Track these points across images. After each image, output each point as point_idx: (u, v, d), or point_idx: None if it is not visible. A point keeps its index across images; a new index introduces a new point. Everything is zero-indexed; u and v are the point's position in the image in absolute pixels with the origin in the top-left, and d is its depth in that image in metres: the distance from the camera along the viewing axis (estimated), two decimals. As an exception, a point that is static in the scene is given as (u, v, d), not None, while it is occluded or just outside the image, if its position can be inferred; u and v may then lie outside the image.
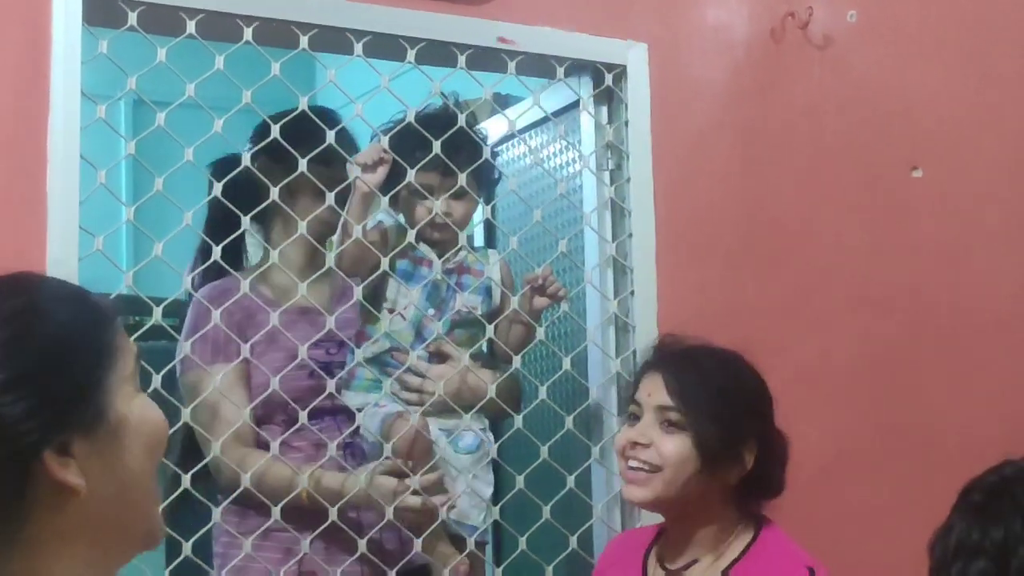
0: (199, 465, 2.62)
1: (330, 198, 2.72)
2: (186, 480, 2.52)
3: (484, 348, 2.96)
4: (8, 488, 1.20)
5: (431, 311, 2.83)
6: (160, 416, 1.36)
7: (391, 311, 2.81)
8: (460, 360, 2.80)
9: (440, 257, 2.84)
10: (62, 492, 1.22)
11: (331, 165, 2.79)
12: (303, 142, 2.73)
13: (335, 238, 2.78)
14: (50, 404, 1.23)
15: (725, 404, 2.32)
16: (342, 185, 2.76)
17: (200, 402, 2.69)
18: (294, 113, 2.74)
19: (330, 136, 2.73)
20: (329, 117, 2.83)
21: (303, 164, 2.69)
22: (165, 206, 2.56)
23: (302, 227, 2.72)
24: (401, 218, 2.88)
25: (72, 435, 1.23)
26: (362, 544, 2.67)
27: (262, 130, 2.77)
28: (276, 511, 2.59)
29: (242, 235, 2.83)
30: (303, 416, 2.66)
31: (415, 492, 2.65)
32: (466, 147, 2.85)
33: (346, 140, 2.85)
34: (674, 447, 2.30)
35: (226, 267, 2.72)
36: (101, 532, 1.28)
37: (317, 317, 2.78)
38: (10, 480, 1.20)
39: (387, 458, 2.66)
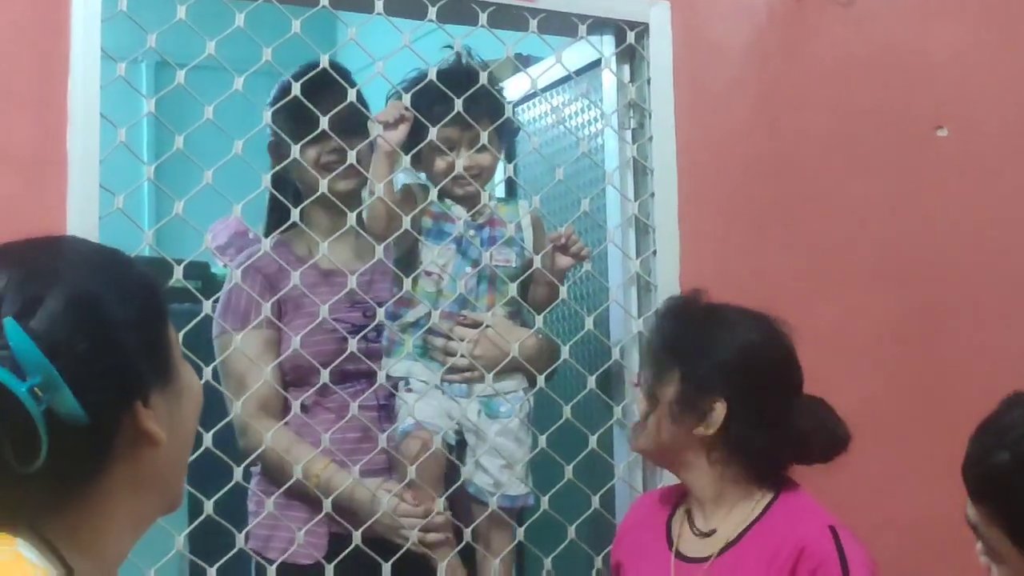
0: (221, 424, 2.61)
1: (352, 156, 2.70)
2: (208, 439, 2.50)
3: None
4: (100, 435, 1.25)
5: (468, 268, 2.81)
6: (199, 383, 1.43)
7: (429, 273, 2.80)
8: (488, 319, 2.80)
9: (467, 212, 2.83)
10: (138, 444, 1.28)
11: (350, 124, 2.77)
12: (321, 100, 2.71)
13: (364, 198, 2.76)
14: (147, 353, 1.30)
15: (693, 355, 2.32)
16: (364, 143, 2.75)
17: (227, 366, 2.68)
18: (314, 71, 2.72)
19: (352, 94, 2.70)
20: (345, 76, 2.82)
21: (324, 122, 2.66)
22: (188, 166, 2.54)
23: (323, 186, 2.69)
24: (423, 176, 2.86)
25: (153, 388, 1.30)
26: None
27: (281, 89, 2.76)
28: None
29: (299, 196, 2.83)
30: (324, 375, 2.64)
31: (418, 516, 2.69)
32: (485, 99, 2.82)
33: (361, 101, 2.83)
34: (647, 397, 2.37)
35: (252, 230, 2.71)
36: (155, 488, 1.34)
37: (345, 279, 2.76)
38: (104, 427, 1.25)
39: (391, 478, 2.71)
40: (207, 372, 2.49)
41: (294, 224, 2.75)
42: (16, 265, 1.28)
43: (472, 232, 2.84)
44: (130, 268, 1.37)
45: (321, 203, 2.77)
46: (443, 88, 2.75)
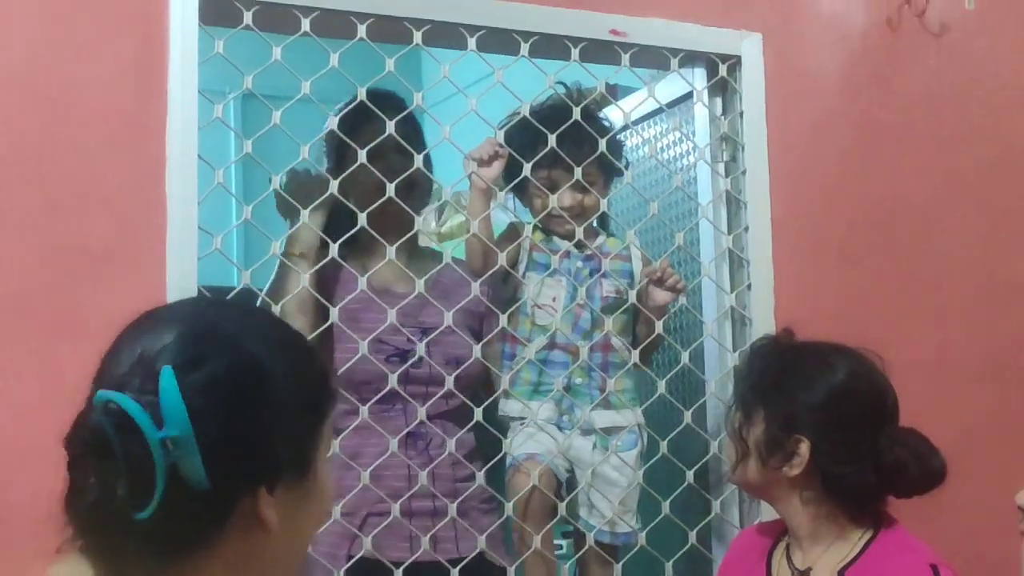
0: None
1: (390, 189, 2.66)
2: None
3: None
4: (217, 507, 1.23)
5: (580, 300, 2.79)
6: (332, 489, 1.40)
7: (541, 306, 2.79)
8: (628, 353, 2.82)
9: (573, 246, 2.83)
10: (252, 528, 1.25)
11: (387, 155, 2.77)
12: (377, 123, 2.70)
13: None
14: (292, 443, 1.28)
15: (776, 396, 2.28)
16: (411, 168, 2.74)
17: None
18: (406, 111, 2.72)
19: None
20: (394, 103, 2.81)
21: (362, 156, 2.63)
22: (272, 203, 2.54)
23: (362, 219, 2.64)
24: (513, 213, 2.86)
25: (283, 479, 1.27)
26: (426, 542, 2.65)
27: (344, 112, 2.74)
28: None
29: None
30: (392, 379, 2.62)
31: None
32: (590, 137, 2.81)
33: (413, 124, 2.83)
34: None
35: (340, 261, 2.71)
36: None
37: (399, 293, 2.75)
38: (222, 500, 1.22)
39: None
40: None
41: (350, 244, 2.72)
42: (193, 321, 1.28)
43: (580, 264, 2.84)
44: (308, 356, 1.36)
45: (375, 224, 2.69)
46: (541, 128, 2.76)
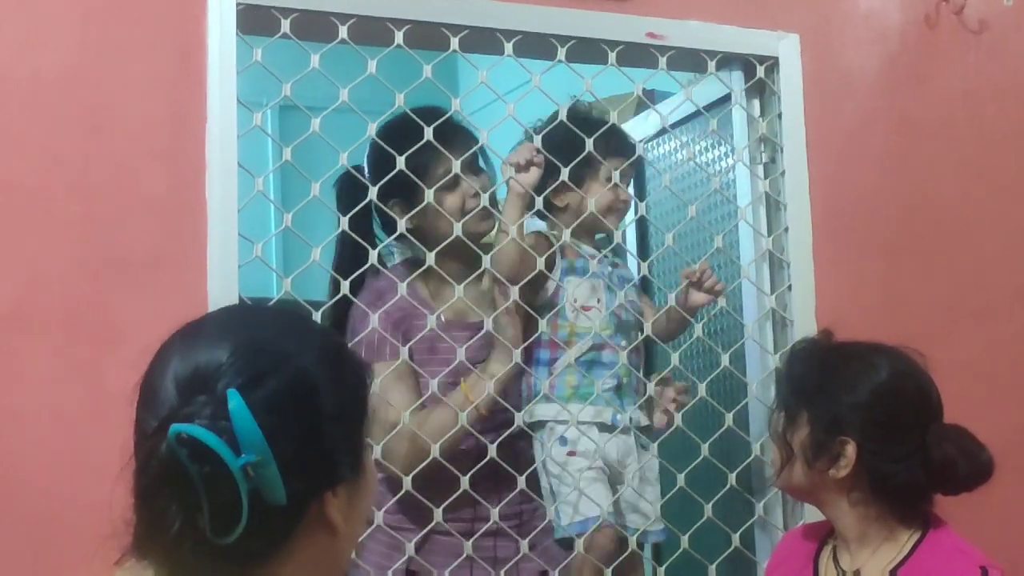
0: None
1: (484, 199, 2.70)
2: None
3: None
4: (290, 518, 1.25)
5: (616, 303, 2.79)
6: (376, 476, 1.45)
7: (587, 308, 2.78)
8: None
9: (600, 252, 2.84)
10: (319, 530, 1.28)
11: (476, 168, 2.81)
12: (454, 146, 2.72)
13: (494, 240, 2.74)
14: (348, 446, 1.31)
15: (819, 398, 2.26)
16: (493, 188, 2.75)
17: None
18: (445, 117, 2.71)
19: (483, 137, 2.71)
20: (459, 130, 2.81)
21: (456, 166, 2.66)
22: (310, 211, 2.54)
23: (457, 229, 2.67)
24: (550, 216, 2.85)
25: (345, 480, 1.30)
26: (468, 547, 2.63)
27: (399, 134, 2.73)
28: (407, 482, 2.56)
29: (373, 233, 2.80)
30: (492, 449, 2.62)
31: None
32: (614, 138, 2.83)
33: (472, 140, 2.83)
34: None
35: (380, 267, 2.70)
36: (322, 574, 1.33)
37: (473, 323, 2.74)
38: (295, 511, 1.24)
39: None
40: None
41: (418, 266, 2.73)
42: (243, 336, 1.29)
43: (610, 269, 2.84)
44: (351, 361, 1.38)
45: (448, 249, 2.70)
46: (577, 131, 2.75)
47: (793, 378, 2.36)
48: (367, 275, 2.72)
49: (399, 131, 2.71)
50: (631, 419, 2.75)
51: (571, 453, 2.70)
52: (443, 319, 2.72)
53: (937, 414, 2.28)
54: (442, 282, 2.75)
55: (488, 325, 2.66)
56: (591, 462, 2.68)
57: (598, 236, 2.88)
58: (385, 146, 2.66)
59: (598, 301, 2.79)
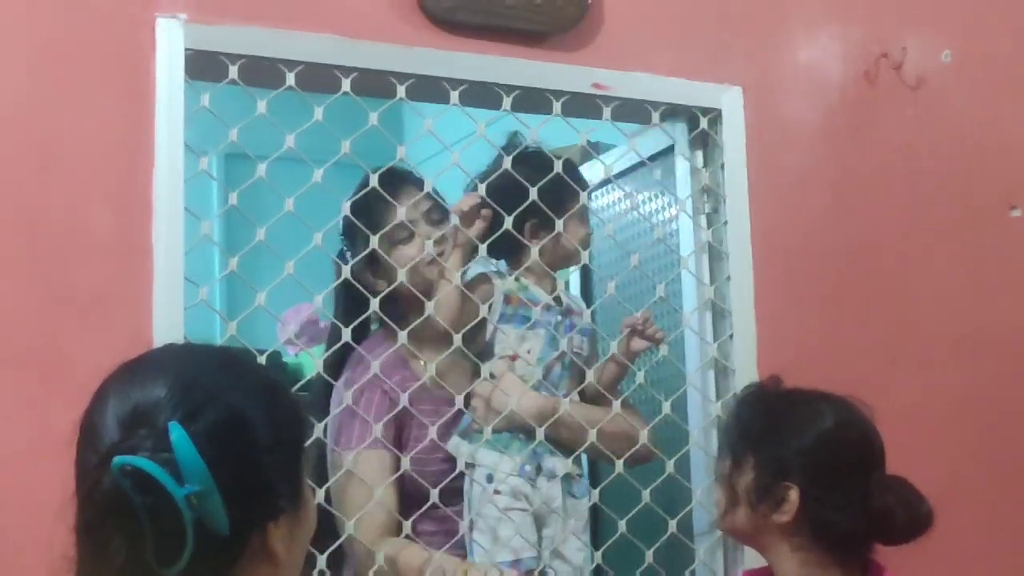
0: (334, 545, 2.56)
1: (428, 246, 2.71)
2: (321, 560, 2.48)
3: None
4: (232, 549, 1.26)
5: (554, 353, 2.80)
6: (315, 505, 1.44)
7: (512, 358, 2.78)
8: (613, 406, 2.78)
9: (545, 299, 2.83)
10: (259, 561, 1.29)
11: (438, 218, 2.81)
12: (403, 197, 2.75)
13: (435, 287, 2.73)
14: (286, 477, 1.33)
15: (765, 442, 2.30)
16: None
17: (344, 486, 2.65)
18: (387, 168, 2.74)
19: (427, 185, 2.71)
20: (415, 179, 2.82)
21: (401, 212, 2.66)
22: (257, 256, 2.55)
23: (402, 275, 2.68)
24: (501, 265, 2.86)
25: (285, 511, 1.32)
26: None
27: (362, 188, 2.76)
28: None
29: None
30: (434, 494, 2.62)
31: None
32: (565, 187, 2.83)
33: (439, 195, 2.84)
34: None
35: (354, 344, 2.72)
36: None
37: (450, 395, 2.75)
38: (237, 542, 1.26)
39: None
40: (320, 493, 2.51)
41: (384, 325, 2.73)
42: (180, 372, 1.30)
43: (559, 318, 2.84)
44: (285, 398, 1.40)
45: (417, 304, 2.70)
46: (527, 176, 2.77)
47: (741, 423, 2.39)
48: (350, 347, 2.74)
49: (362, 199, 2.76)
50: (554, 469, 2.75)
51: (497, 492, 2.70)
52: (430, 400, 2.74)
53: (879, 463, 2.31)
54: (430, 345, 2.74)
55: (459, 402, 2.68)
56: (516, 501, 2.69)
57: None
58: (353, 218, 2.73)
59: (528, 351, 2.78)
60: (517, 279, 2.83)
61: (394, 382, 2.72)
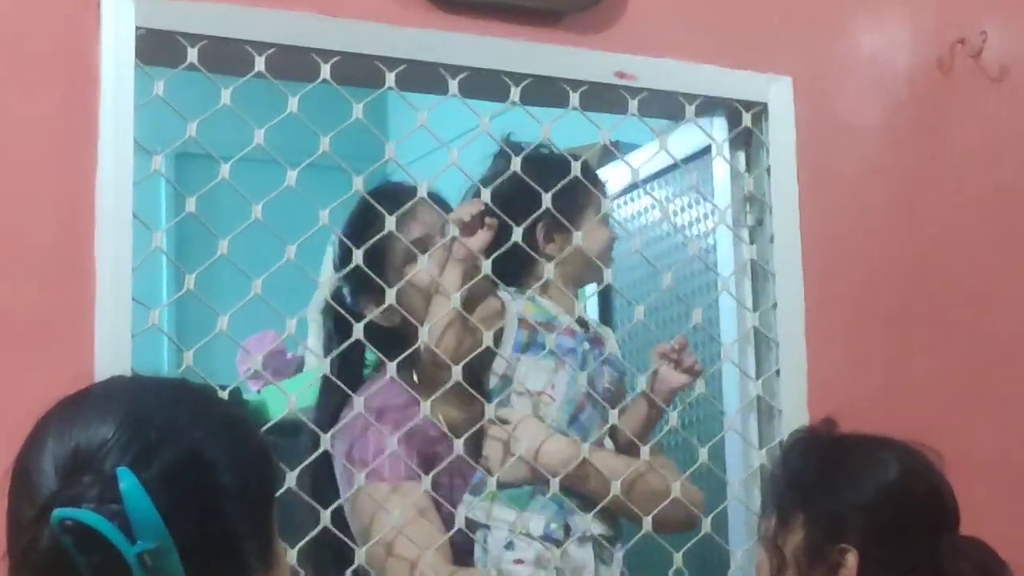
0: None
1: (422, 259, 2.69)
2: None
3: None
4: None
5: (582, 389, 2.76)
6: (289, 568, 1.49)
7: (532, 394, 2.74)
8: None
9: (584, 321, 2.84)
10: None
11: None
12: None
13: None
14: (254, 531, 1.34)
15: (818, 497, 2.30)
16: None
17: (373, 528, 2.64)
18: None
19: (422, 189, 2.72)
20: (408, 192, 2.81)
21: (390, 222, 2.66)
22: (214, 274, 2.54)
23: (423, 333, 2.65)
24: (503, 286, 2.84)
25: (254, 571, 1.33)
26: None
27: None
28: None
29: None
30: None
31: None
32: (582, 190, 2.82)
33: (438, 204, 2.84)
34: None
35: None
36: None
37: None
38: None
39: None
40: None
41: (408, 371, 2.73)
42: (129, 409, 1.30)
43: (587, 346, 2.80)
44: (252, 436, 1.41)
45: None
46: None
47: (789, 473, 2.39)
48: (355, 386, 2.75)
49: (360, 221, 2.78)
50: (585, 530, 2.73)
51: (519, 561, 2.68)
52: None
53: (952, 522, 2.31)
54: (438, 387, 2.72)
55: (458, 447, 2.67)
56: (540, 570, 2.67)
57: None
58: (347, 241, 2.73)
59: (552, 387, 2.76)
60: (532, 299, 2.80)
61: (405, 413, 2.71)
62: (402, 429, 2.65)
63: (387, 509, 2.59)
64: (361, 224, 2.76)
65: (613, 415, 2.78)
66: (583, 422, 2.77)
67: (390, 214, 2.66)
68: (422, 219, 2.78)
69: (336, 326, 2.81)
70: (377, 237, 2.68)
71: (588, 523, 2.71)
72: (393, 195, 2.75)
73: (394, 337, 2.72)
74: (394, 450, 2.62)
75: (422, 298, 2.72)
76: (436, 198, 2.80)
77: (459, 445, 2.66)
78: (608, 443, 2.82)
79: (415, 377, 2.76)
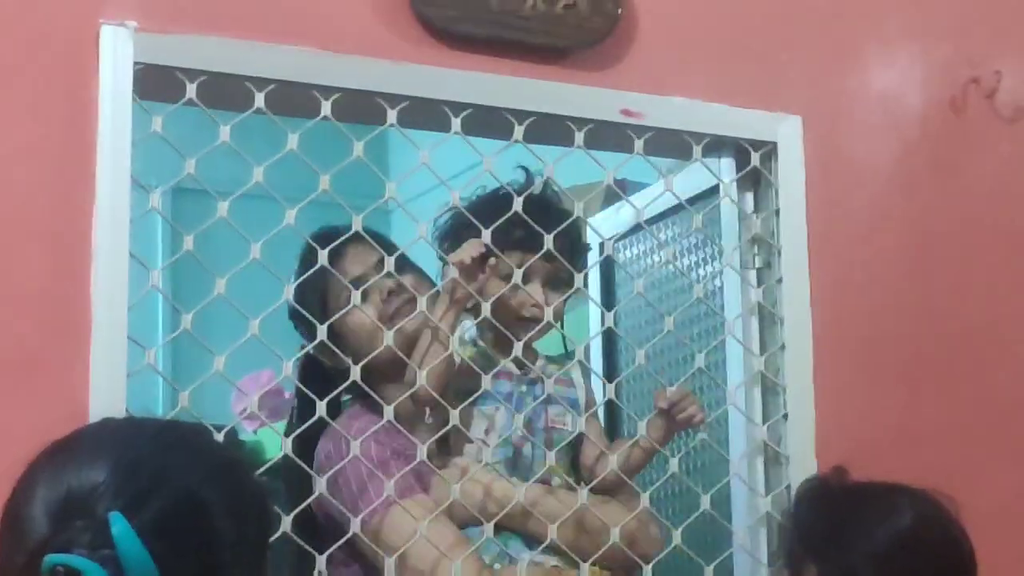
0: None
1: (422, 301, 2.72)
2: None
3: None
4: None
5: (519, 432, 2.77)
6: None
7: (470, 442, 2.77)
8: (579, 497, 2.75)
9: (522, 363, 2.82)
10: None
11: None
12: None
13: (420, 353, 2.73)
14: (252, 574, 1.35)
15: (830, 547, 2.29)
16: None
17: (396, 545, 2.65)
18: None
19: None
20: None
21: (323, 256, 2.69)
22: (210, 312, 2.56)
23: (388, 338, 2.71)
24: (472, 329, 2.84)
25: None
26: None
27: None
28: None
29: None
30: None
31: None
32: (555, 225, 2.80)
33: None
34: None
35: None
36: None
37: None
38: None
39: None
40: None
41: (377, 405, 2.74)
42: (122, 452, 1.31)
43: (524, 388, 2.82)
44: (249, 481, 1.41)
45: (394, 373, 2.75)
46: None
47: (799, 524, 2.39)
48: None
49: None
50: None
51: None
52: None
53: (968, 569, 2.32)
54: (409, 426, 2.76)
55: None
56: None
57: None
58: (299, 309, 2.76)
59: (486, 431, 2.78)
60: (475, 343, 2.81)
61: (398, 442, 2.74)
62: (390, 446, 2.71)
63: (414, 523, 2.62)
64: (302, 269, 2.81)
65: (551, 456, 2.77)
66: (524, 462, 2.80)
67: (334, 254, 2.71)
68: (361, 259, 2.81)
69: (302, 371, 2.87)
70: (309, 273, 2.75)
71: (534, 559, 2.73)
72: (333, 238, 2.76)
73: (345, 377, 2.73)
74: (394, 465, 2.68)
75: (366, 336, 2.76)
76: (375, 236, 2.81)
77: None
78: (556, 480, 2.82)
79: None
